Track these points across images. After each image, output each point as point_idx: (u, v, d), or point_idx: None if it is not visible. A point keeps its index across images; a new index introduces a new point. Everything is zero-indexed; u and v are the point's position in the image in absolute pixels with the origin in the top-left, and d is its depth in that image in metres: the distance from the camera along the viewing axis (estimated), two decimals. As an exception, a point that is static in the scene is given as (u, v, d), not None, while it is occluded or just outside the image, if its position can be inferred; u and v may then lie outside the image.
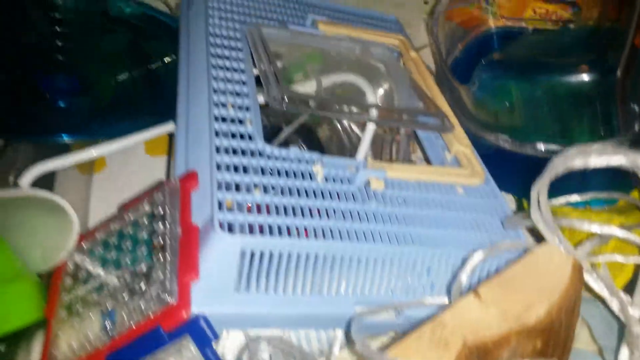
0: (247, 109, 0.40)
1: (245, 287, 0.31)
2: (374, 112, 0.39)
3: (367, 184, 0.37)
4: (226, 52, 0.44)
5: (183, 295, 0.28)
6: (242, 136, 0.37)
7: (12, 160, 0.46)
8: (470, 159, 0.42)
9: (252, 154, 0.36)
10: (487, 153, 0.43)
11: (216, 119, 0.38)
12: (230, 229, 0.30)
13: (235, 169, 0.34)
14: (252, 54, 0.45)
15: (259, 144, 0.37)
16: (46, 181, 0.47)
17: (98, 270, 0.35)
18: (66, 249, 0.35)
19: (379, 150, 0.46)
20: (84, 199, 0.47)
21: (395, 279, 0.34)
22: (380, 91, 0.47)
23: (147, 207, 0.35)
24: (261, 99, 0.43)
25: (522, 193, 0.44)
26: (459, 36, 0.52)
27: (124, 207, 0.36)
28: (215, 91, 0.40)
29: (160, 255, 0.31)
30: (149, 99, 0.53)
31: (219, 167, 0.34)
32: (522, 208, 0.45)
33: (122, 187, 0.46)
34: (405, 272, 0.34)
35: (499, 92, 0.43)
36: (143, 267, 0.33)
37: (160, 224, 0.33)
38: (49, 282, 0.37)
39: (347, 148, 0.45)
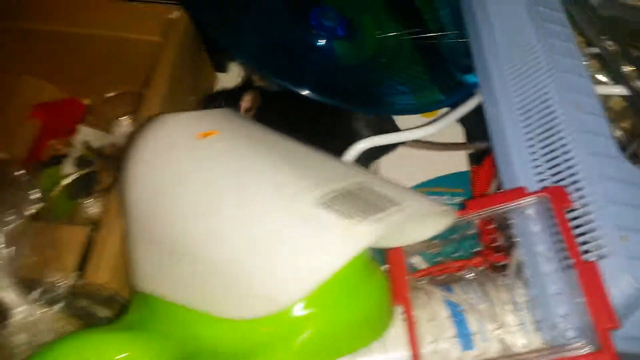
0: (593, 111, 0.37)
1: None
2: None
3: None
4: (552, 27, 0.40)
5: (607, 344, 0.29)
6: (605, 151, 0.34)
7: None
8: None
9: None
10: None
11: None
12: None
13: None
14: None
15: (626, 164, 0.34)
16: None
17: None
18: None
19: None
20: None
21: None
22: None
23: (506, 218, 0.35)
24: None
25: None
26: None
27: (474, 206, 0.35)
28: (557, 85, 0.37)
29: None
30: (418, 70, 0.47)
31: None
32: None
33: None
34: None
35: None
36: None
37: (534, 244, 0.33)
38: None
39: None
